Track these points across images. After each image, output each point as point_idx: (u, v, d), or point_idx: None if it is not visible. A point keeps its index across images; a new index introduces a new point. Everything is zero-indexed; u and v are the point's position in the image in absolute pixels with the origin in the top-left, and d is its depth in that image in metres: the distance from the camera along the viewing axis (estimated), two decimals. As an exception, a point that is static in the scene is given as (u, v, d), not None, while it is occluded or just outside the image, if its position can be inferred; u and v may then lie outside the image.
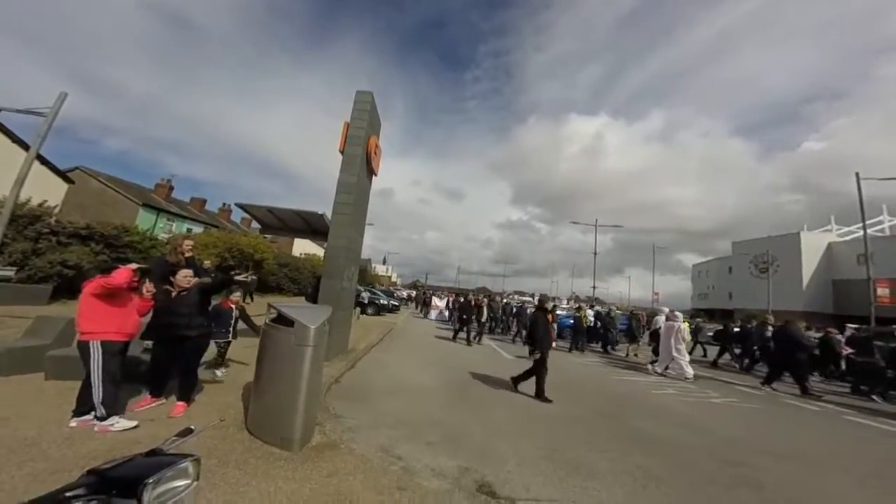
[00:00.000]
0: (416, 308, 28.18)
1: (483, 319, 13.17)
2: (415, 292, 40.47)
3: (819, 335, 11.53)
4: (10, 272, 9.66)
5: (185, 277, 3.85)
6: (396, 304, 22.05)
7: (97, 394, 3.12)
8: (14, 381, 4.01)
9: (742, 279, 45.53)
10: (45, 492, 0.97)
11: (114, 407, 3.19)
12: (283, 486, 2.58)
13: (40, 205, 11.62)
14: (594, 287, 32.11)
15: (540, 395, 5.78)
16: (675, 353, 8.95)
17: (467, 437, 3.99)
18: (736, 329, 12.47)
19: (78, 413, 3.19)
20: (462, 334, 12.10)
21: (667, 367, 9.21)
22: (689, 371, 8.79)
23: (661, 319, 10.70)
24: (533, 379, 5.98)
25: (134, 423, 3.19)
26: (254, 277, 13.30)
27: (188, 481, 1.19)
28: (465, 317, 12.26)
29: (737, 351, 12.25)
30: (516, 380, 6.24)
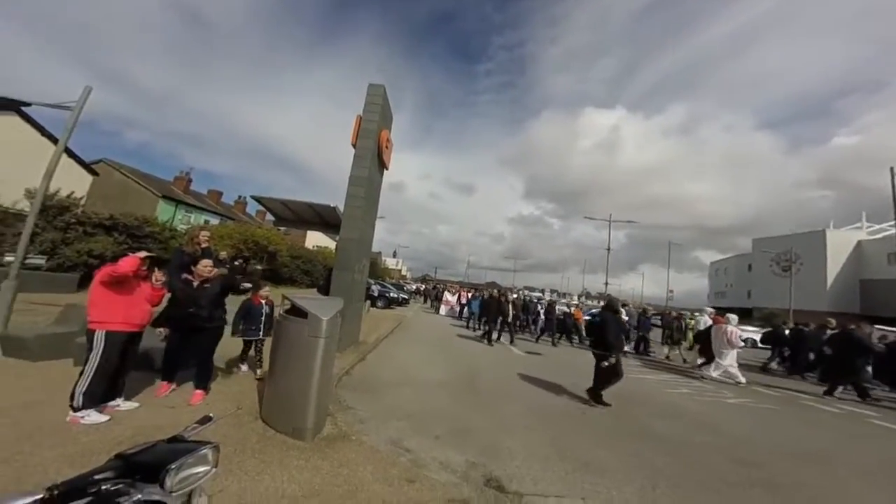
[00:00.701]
0: (425, 301, 28.10)
1: (510, 319, 11.78)
2: (423, 286, 40.48)
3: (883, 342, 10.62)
4: (41, 260, 10.13)
5: (205, 267, 3.97)
6: (406, 297, 22.22)
7: (83, 383, 3.07)
8: (45, 367, 4.22)
9: (762, 277, 44.12)
10: (76, 474, 1.03)
11: (94, 400, 3.11)
12: (295, 475, 2.66)
13: (68, 196, 12.09)
14: (606, 283, 31.67)
15: (597, 399, 5.48)
16: (717, 357, 8.80)
17: (476, 431, 4.01)
18: (787, 331, 11.90)
19: (101, 399, 3.30)
20: (496, 336, 11.14)
21: (724, 371, 8.85)
22: (713, 374, 8.68)
23: (704, 319, 10.80)
24: (596, 384, 5.59)
25: (106, 418, 3.11)
26: (258, 268, 13.86)
27: (208, 468, 1.24)
28: (486, 317, 11.34)
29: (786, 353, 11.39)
30: (595, 395, 5.54)
